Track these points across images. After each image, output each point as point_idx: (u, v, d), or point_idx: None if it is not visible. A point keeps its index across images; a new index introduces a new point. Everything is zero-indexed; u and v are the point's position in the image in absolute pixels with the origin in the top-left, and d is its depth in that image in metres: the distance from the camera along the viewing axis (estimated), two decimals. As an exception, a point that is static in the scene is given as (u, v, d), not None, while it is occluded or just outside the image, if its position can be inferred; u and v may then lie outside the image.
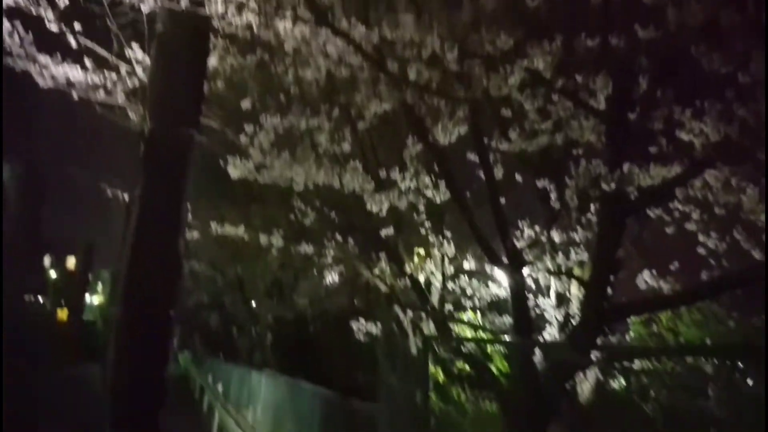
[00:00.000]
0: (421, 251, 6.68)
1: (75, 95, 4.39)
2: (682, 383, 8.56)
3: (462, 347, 6.54)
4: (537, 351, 6.20)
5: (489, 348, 9.30)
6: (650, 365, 7.48)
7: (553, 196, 4.73)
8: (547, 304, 6.47)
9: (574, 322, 6.19)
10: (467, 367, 7.89)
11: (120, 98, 4.65)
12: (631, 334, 8.55)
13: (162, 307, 3.25)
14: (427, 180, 5.43)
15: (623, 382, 9.42)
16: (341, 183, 5.12)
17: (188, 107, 3.48)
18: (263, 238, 5.84)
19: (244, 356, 17.85)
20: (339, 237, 6.06)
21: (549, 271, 5.12)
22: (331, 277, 20.07)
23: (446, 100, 4.17)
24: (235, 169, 4.98)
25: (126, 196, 5.31)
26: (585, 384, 7.54)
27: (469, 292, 6.61)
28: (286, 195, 6.14)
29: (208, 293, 18.40)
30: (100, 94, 4.54)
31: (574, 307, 6.07)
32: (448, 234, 6.01)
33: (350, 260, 6.66)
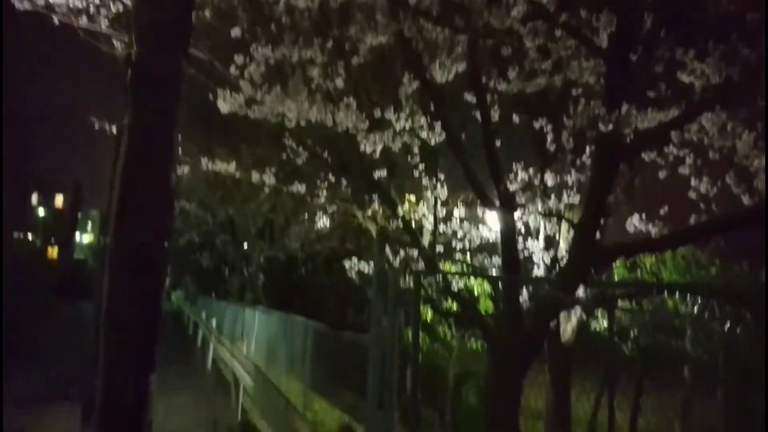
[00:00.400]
0: (414, 195, 6.70)
1: (56, 20, 4.18)
2: (660, 324, 8.92)
3: (451, 287, 6.71)
4: (523, 291, 6.39)
5: (476, 290, 9.55)
6: (631, 306, 7.75)
7: (549, 137, 4.69)
8: (536, 247, 6.59)
9: (561, 265, 6.34)
10: (454, 306, 8.13)
11: (104, 24, 4.43)
12: (615, 278, 8.78)
13: (155, 239, 3.24)
14: (422, 120, 5.34)
15: (604, 324, 9.79)
16: (334, 121, 5.02)
17: (176, 34, 3.32)
18: (255, 176, 5.78)
19: (235, 295, 18.23)
20: (332, 177, 6.02)
21: (541, 214, 5.16)
22: (322, 222, 20.15)
23: (445, 32, 4.02)
24: (225, 104, 4.84)
25: (114, 129, 5.17)
26: (568, 325, 7.83)
27: (460, 234, 6.68)
28: (277, 133, 6.03)
29: (199, 233, 18.50)
30: (83, 20, 4.33)
31: (562, 250, 6.19)
32: (442, 177, 5.99)
33: (343, 201, 6.67)
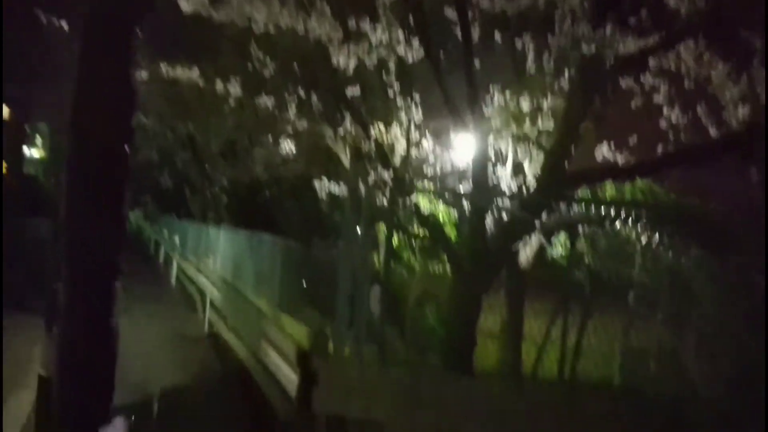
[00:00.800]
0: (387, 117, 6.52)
1: None
2: (612, 251, 9.42)
3: (420, 211, 6.76)
4: (488, 218, 6.52)
5: (441, 217, 9.72)
6: (588, 231, 8.10)
7: (529, 58, 4.58)
8: (504, 174, 6.65)
9: (528, 193, 6.46)
10: (419, 233, 8.28)
11: None
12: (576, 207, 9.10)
13: (116, 141, 3.04)
14: (400, 35, 5.08)
15: (560, 251, 10.25)
16: (306, 28, 4.71)
17: None
18: (219, 86, 5.43)
19: (197, 216, 17.91)
20: (302, 92, 5.74)
21: (514, 138, 5.16)
22: (288, 145, 19.62)
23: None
24: (186, 2, 4.43)
25: (65, 24, 4.67)
26: (525, 251, 8.13)
27: (431, 159, 6.63)
28: (244, 40, 5.61)
29: (158, 151, 17.70)
30: None
31: (530, 178, 6.28)
32: (417, 98, 5.82)
33: (312, 120, 6.43)
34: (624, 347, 10.17)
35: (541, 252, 9.07)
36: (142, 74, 5.50)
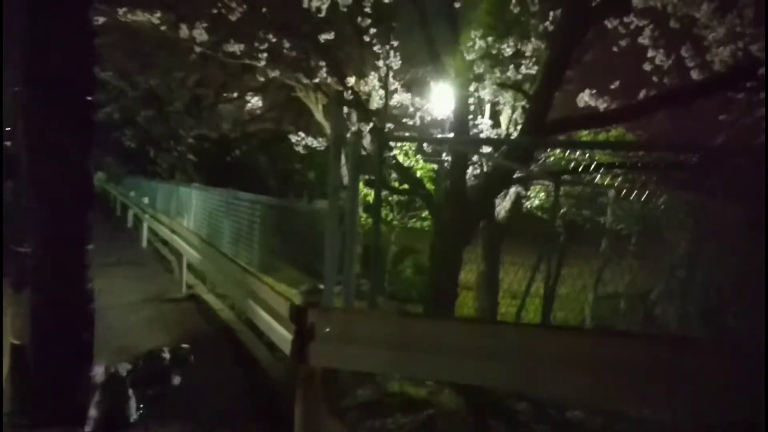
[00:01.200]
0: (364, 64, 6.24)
1: None
2: (587, 201, 9.59)
3: (400, 165, 6.62)
4: (469, 169, 6.44)
5: (418, 172, 9.64)
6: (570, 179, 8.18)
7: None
8: (484, 124, 6.55)
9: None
10: (397, 185, 8.20)
11: None
12: (551, 159, 9.13)
13: (77, 91, 2.78)
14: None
15: (536, 203, 10.38)
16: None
17: None
18: (183, 32, 5.03)
19: (165, 176, 17.30)
20: (272, 38, 5.40)
21: (496, 84, 5.02)
22: (256, 101, 18.93)
23: None
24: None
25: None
26: (503, 203, 8.18)
27: (411, 110, 6.44)
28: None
29: (119, 108, 16.79)
30: None
31: (511, 127, 6.19)
32: (395, 43, 5.56)
33: (284, 69, 6.10)
34: (596, 292, 10.50)
35: (517, 203, 9.16)
36: (99, 20, 5.07)
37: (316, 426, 2.44)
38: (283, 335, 2.71)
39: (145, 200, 9.87)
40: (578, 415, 4.23)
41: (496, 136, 6.35)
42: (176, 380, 2.71)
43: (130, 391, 2.71)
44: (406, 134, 6.80)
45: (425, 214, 12.27)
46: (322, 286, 2.46)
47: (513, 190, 7.55)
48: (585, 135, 8.81)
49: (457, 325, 2.33)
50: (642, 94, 4.61)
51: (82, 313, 2.96)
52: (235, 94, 19.82)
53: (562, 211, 9.52)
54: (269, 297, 2.84)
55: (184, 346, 2.70)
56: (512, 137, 6.17)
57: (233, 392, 3.35)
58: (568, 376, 1.92)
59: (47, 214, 2.84)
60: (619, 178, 8.73)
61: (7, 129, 2.91)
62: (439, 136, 6.62)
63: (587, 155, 8.47)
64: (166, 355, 2.73)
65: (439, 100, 6.34)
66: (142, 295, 6.00)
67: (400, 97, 6.30)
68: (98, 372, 3.00)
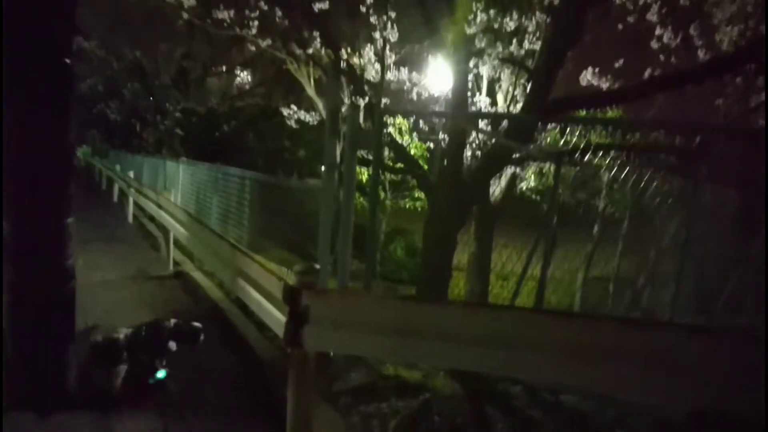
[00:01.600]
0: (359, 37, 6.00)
1: None
2: (582, 183, 9.53)
3: (396, 143, 6.45)
4: (466, 149, 6.29)
5: (413, 152, 9.48)
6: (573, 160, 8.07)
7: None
8: (482, 102, 6.39)
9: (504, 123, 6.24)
10: (390, 164, 8.03)
11: None
12: (548, 140, 9.01)
13: (53, 40, 2.57)
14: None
15: (530, 184, 10.30)
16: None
17: None
18: (171, -3, 4.76)
19: (151, 151, 16.91)
20: (264, 6, 5.15)
21: (498, 60, 4.84)
22: (244, 76, 18.40)
23: None
24: None
25: None
26: (497, 186, 8.08)
27: (407, 86, 6.24)
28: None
29: (104, 80, 16.27)
30: None
31: (511, 105, 6.04)
32: (392, 14, 5.33)
33: (276, 38, 5.84)
34: (586, 276, 10.49)
35: (511, 185, 9.06)
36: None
37: (308, 411, 2.33)
38: (274, 315, 2.59)
39: (131, 174, 9.60)
40: (571, 399, 4.20)
41: (495, 113, 6.18)
42: (175, 351, 2.63)
43: (125, 357, 2.62)
44: (407, 108, 6.60)
45: (418, 194, 12.14)
46: (318, 266, 2.31)
47: (509, 171, 7.44)
48: (583, 116, 8.71)
49: (462, 309, 2.21)
50: (647, 73, 4.49)
51: (62, 290, 2.80)
52: (224, 68, 19.34)
53: (556, 192, 9.44)
54: (259, 275, 2.70)
55: (196, 324, 2.64)
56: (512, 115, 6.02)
57: (222, 374, 3.23)
58: (598, 365, 1.82)
59: (22, 183, 2.65)
60: (617, 162, 8.64)
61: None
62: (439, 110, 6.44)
63: (585, 138, 8.36)
64: (171, 326, 2.63)
65: (437, 75, 6.15)
66: (127, 272, 5.82)
67: (397, 73, 6.09)
68: (96, 336, 2.91)
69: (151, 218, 7.76)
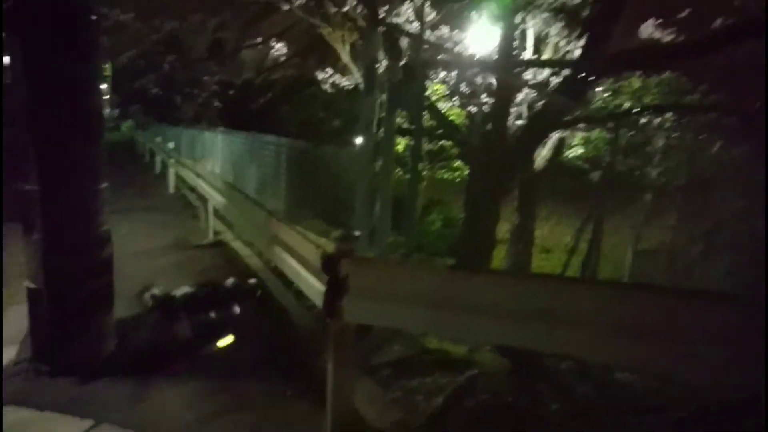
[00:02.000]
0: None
1: None
2: (635, 149, 8.98)
3: (435, 107, 6.17)
4: (511, 113, 5.93)
5: (452, 119, 9.14)
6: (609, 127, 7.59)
7: None
8: (531, 60, 5.98)
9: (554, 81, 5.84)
10: (435, 132, 7.76)
11: None
12: (598, 103, 8.50)
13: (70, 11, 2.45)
14: None
15: (577, 152, 9.78)
16: None
17: None
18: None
19: (189, 124, 17.14)
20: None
21: (551, 11, 4.46)
22: (279, 48, 18.20)
23: None
24: None
25: None
26: (543, 153, 7.68)
27: (448, 45, 5.89)
28: None
29: (142, 53, 16.47)
30: None
31: (561, 65, 5.62)
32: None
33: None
34: (636, 248, 9.94)
35: (557, 151, 8.59)
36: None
37: (349, 384, 2.21)
38: (314, 286, 2.45)
39: (170, 145, 9.69)
40: (626, 377, 3.95)
41: (544, 75, 5.78)
42: (236, 310, 2.64)
43: (182, 314, 2.65)
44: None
45: (456, 164, 11.76)
46: (358, 233, 2.15)
47: (556, 136, 7.03)
48: (636, 79, 8.11)
49: (515, 281, 2.01)
50: (718, 23, 4.02)
51: (97, 256, 2.76)
52: (259, 39, 19.22)
53: (603, 161, 8.94)
54: (297, 244, 2.56)
55: (252, 280, 2.65)
56: (559, 75, 5.61)
57: (261, 343, 3.15)
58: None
59: (52, 149, 2.58)
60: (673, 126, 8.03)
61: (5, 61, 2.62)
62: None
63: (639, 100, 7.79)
64: (229, 286, 2.62)
65: (479, 35, 5.77)
66: (168, 240, 5.86)
67: (437, 32, 5.75)
68: (154, 293, 2.96)
69: (192, 188, 7.81)
